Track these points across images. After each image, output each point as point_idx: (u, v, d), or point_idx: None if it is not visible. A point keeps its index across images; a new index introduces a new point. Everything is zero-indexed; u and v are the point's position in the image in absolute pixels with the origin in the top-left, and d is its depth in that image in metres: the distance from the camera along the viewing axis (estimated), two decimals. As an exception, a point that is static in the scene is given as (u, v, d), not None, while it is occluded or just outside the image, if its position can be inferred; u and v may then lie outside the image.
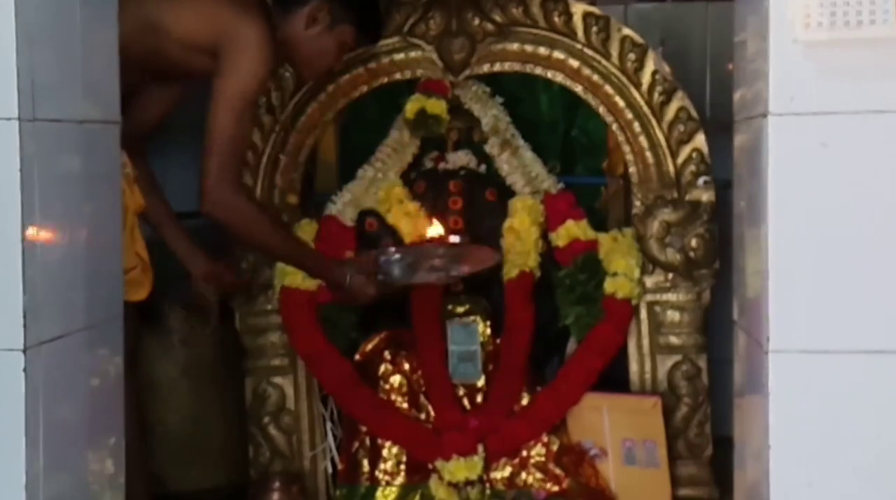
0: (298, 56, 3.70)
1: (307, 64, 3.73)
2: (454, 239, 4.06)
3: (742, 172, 2.90)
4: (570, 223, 4.05)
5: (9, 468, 2.39)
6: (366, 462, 3.94)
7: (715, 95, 4.56)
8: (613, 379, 4.05)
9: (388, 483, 3.94)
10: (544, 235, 4.07)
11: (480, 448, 3.91)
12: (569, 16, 4.02)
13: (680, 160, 4.00)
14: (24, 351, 2.39)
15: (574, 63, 4.02)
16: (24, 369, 2.39)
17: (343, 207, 4.06)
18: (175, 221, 3.83)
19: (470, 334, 4.00)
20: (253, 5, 3.55)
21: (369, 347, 4.03)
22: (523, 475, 3.96)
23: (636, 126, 4.01)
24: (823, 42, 2.47)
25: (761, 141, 2.56)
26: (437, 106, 4.06)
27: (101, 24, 2.81)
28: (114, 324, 2.83)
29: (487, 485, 3.94)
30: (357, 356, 4.03)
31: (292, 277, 3.96)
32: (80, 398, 2.65)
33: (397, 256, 3.77)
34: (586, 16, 4.01)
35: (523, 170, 4.13)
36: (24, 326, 2.39)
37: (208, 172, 3.42)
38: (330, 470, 4.05)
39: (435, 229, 4.00)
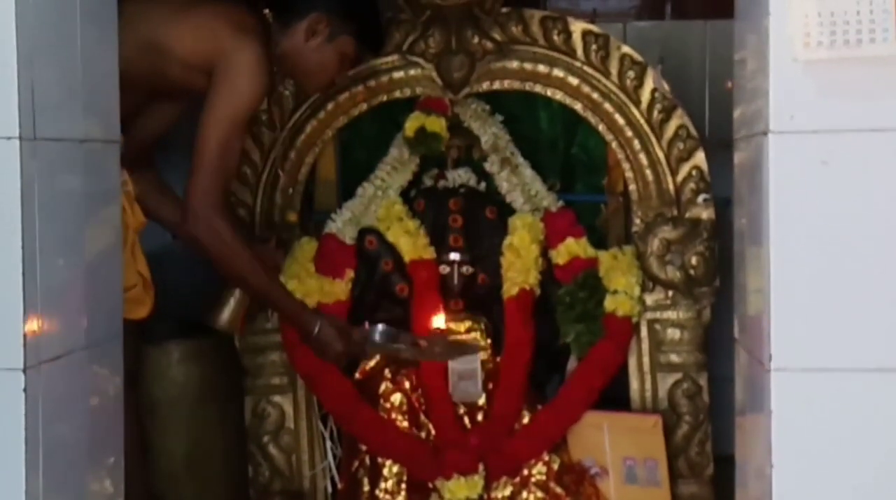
0: (300, 69, 3.70)
1: (309, 77, 3.73)
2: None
3: (742, 190, 2.90)
4: (570, 241, 4.05)
5: (8, 488, 2.39)
6: (366, 481, 3.93)
7: (714, 113, 4.56)
8: (614, 397, 4.04)
9: None
10: (544, 253, 4.07)
11: (481, 467, 3.90)
12: (568, 34, 4.02)
13: (680, 178, 4.00)
14: (24, 371, 2.38)
15: (573, 81, 4.03)
16: (24, 389, 2.39)
17: (343, 225, 4.05)
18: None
19: (471, 352, 3.99)
20: (252, 26, 3.55)
21: (369, 365, 4.03)
22: (524, 493, 3.95)
23: (636, 144, 4.01)
24: (823, 61, 2.47)
25: (762, 159, 2.56)
26: (437, 124, 4.05)
27: (102, 43, 2.82)
28: (114, 343, 2.83)
29: (488, 504, 3.94)
30: (357, 375, 4.03)
31: (292, 296, 3.96)
32: (80, 418, 2.65)
33: (379, 326, 3.74)
34: (585, 34, 4.01)
35: (523, 187, 4.12)
36: (24, 345, 2.38)
37: (193, 193, 3.42)
38: (330, 489, 4.04)
39: (438, 320, 3.98)
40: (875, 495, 2.51)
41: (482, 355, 4.01)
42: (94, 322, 2.70)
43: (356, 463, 3.96)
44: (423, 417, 3.97)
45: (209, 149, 3.41)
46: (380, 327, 3.74)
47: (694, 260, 3.98)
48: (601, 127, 4.04)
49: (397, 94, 4.11)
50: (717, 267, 3.97)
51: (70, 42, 2.65)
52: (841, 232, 2.51)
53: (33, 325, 2.42)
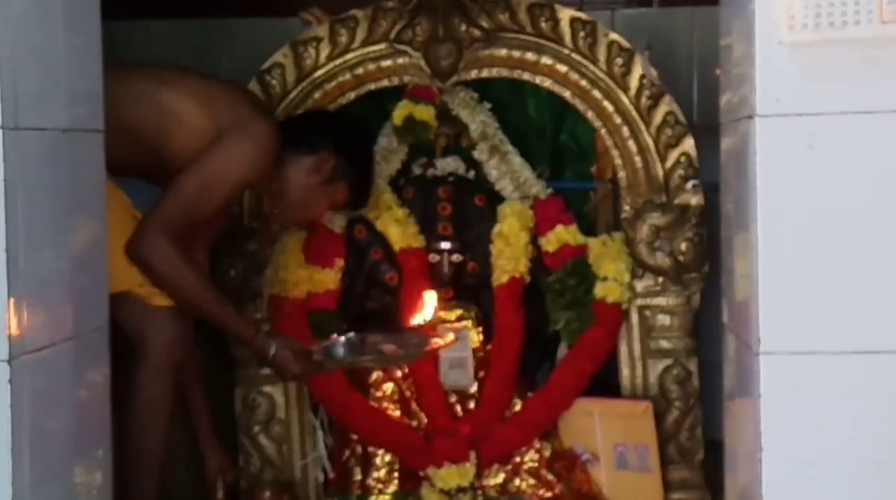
0: (288, 198, 3.69)
1: (293, 208, 3.73)
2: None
3: (729, 175, 2.89)
4: (559, 228, 4.04)
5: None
6: (357, 471, 3.93)
7: (702, 99, 4.55)
8: (604, 384, 4.04)
9: (380, 492, 3.94)
10: (534, 241, 4.06)
11: (472, 455, 3.90)
12: (556, 21, 4.01)
13: (668, 164, 3.99)
14: (10, 362, 2.37)
15: (562, 68, 4.02)
16: (10, 381, 2.37)
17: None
18: (208, 413, 3.87)
19: (461, 340, 3.98)
20: (271, 114, 3.62)
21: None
22: (516, 481, 3.96)
23: (624, 131, 4.01)
24: (808, 43, 2.46)
25: (748, 143, 2.56)
26: (425, 112, 4.04)
27: (84, 31, 2.80)
28: (100, 335, 2.82)
29: (480, 492, 3.94)
30: (348, 364, 4.02)
31: (281, 285, 3.96)
32: (67, 409, 2.64)
33: (342, 339, 3.56)
34: (573, 21, 4.00)
35: (512, 175, 4.12)
36: (9, 336, 2.37)
37: (148, 215, 3.37)
38: (321, 479, 4.03)
39: (431, 305, 3.88)
40: (864, 476, 2.51)
41: (473, 342, 4.01)
42: (80, 313, 2.69)
43: (347, 452, 3.96)
44: (414, 405, 3.97)
45: (184, 191, 3.38)
46: (342, 340, 3.55)
47: (683, 246, 3.98)
48: (589, 114, 4.04)
49: (385, 82, 4.09)
50: (706, 253, 3.97)
51: (52, 31, 2.63)
52: (828, 215, 2.50)
53: (18, 316, 2.40)
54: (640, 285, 4.01)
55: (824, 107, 2.49)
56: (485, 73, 4.08)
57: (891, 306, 2.48)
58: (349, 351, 3.53)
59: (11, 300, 2.38)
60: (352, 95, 4.09)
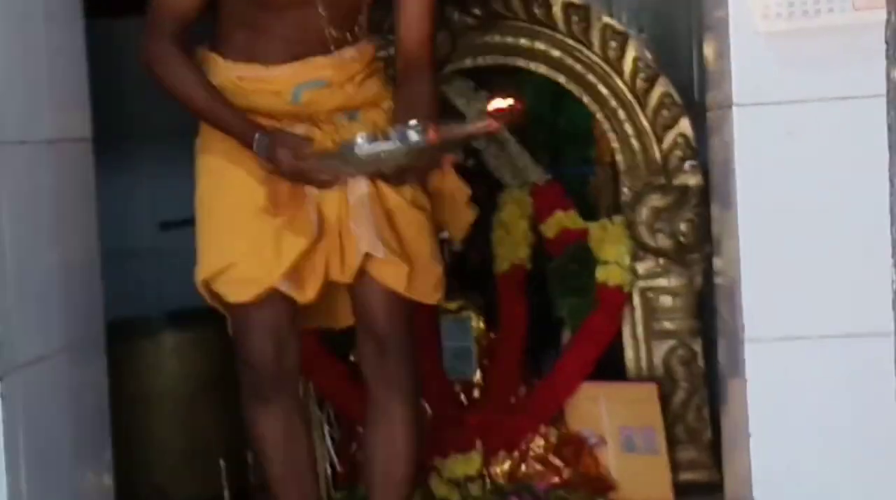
0: None
1: None
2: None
3: (715, 163, 2.90)
4: (559, 214, 4.05)
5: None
6: (365, 463, 3.95)
7: (703, 79, 4.53)
8: (610, 367, 4.05)
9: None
10: (535, 228, 4.07)
11: (479, 444, 3.91)
12: (548, 6, 4.01)
13: (666, 146, 3.99)
14: (1, 378, 2.39)
15: (556, 53, 4.02)
16: (2, 396, 2.40)
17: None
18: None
19: (464, 330, 4.00)
20: None
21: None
22: (524, 468, 3.96)
23: (621, 114, 4.01)
24: (784, 32, 2.47)
25: (728, 132, 2.56)
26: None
27: (68, 37, 2.81)
28: (95, 342, 2.85)
29: (488, 480, 3.95)
30: (352, 357, 4.03)
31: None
32: (64, 420, 2.67)
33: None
34: (566, 6, 4.00)
35: (510, 163, 4.13)
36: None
37: (145, 31, 3.00)
38: (330, 473, 4.06)
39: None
40: (851, 458, 2.52)
41: (476, 331, 4.03)
42: (74, 324, 2.71)
43: (354, 446, 3.98)
44: (419, 396, 3.99)
45: None
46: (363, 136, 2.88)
47: (684, 227, 3.98)
48: (585, 98, 4.04)
49: (380, 74, 4.10)
50: (707, 233, 3.96)
51: (34, 43, 2.66)
52: (808, 201, 2.51)
53: (8, 330, 2.43)
54: (641, 268, 4.01)
55: (802, 94, 2.50)
56: (480, 61, 4.08)
57: (872, 289, 2.47)
58: (371, 141, 2.86)
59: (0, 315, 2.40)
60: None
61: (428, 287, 3.03)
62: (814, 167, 2.50)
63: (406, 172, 2.90)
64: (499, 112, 2.88)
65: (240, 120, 3.06)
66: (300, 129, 2.97)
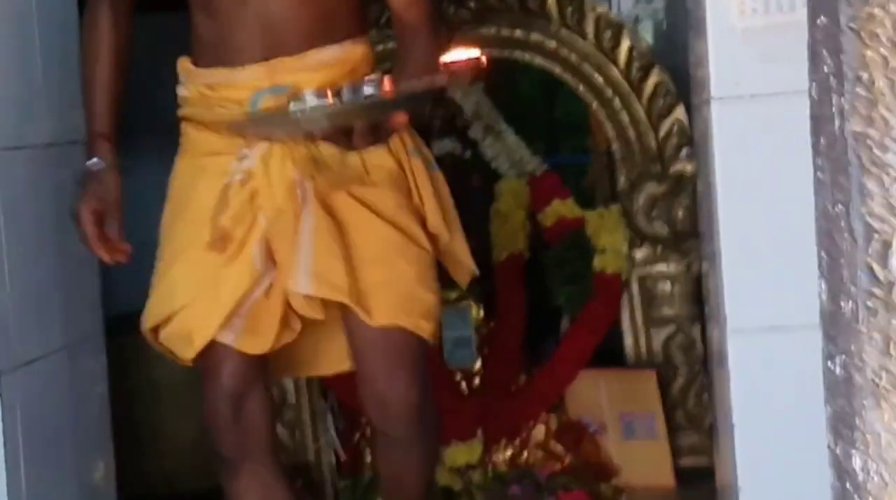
0: None
1: None
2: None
3: (699, 155, 2.94)
4: (556, 203, 4.09)
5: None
6: (368, 452, 4.00)
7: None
8: (609, 353, 4.09)
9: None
10: (532, 217, 4.11)
11: (480, 432, 3.96)
12: (542, -2, 4.05)
13: (661, 134, 4.03)
14: (-1, 377, 2.45)
15: (551, 44, 4.06)
16: (0, 395, 2.45)
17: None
18: None
19: (463, 319, 4.05)
20: None
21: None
22: (525, 455, 4.01)
23: (616, 103, 4.05)
24: (760, 27, 2.50)
25: (707, 125, 2.60)
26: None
27: (62, 39, 2.83)
28: (94, 340, 2.89)
29: (489, 468, 4.00)
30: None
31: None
32: (64, 419, 2.71)
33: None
34: (560, -3, 4.05)
35: (507, 153, 4.17)
36: (-3, 352, 2.44)
37: None
38: (334, 461, 4.11)
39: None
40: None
41: (476, 320, 4.07)
42: (73, 323, 2.76)
43: (358, 435, 4.03)
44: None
45: None
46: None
47: (680, 214, 4.02)
48: (581, 88, 4.08)
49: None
50: (703, 220, 4.01)
51: (27, 47, 2.68)
52: (787, 193, 2.54)
53: (6, 332, 2.47)
54: (639, 255, 4.06)
55: (779, 88, 2.53)
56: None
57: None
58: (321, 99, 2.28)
59: (-3, 317, 2.45)
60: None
61: (412, 316, 2.48)
62: (791, 159, 2.52)
63: (365, 132, 2.25)
64: (458, 65, 2.41)
65: (93, 123, 2.58)
66: (254, 152, 2.46)
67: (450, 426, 3.93)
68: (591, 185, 4.24)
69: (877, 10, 1.05)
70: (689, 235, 4.01)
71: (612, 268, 4.02)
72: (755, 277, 2.56)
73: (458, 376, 4.06)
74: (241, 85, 2.48)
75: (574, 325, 4.05)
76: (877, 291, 1.06)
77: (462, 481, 3.94)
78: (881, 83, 1.08)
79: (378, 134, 2.28)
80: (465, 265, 2.71)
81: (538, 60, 4.09)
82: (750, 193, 2.55)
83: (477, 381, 4.06)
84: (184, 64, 2.59)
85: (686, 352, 4.07)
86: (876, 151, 1.08)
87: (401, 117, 2.29)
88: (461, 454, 3.93)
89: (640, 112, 4.03)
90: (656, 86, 4.02)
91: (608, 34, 4.02)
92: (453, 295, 4.09)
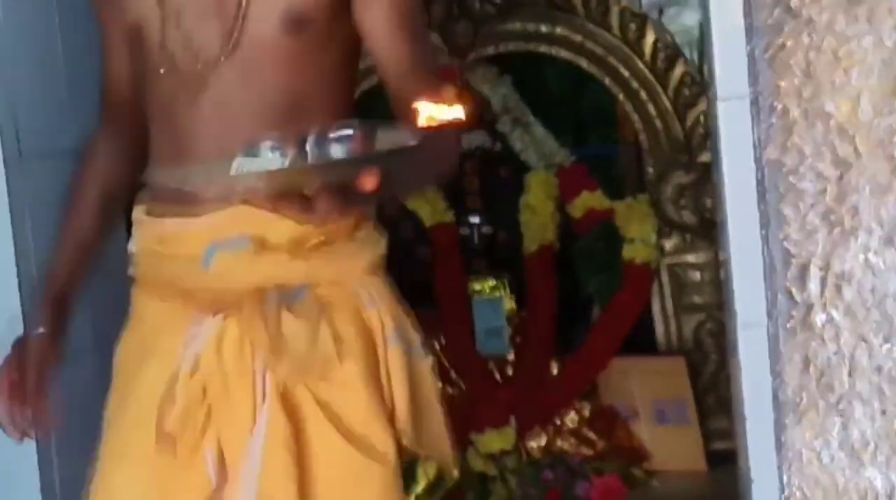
0: None
1: None
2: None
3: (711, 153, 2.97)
4: (584, 194, 4.15)
5: (25, 485, 2.53)
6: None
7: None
8: (641, 341, 4.14)
9: (427, 458, 4.05)
10: (561, 208, 4.17)
11: (513, 419, 4.02)
12: (567, -9, 4.11)
13: (688, 124, 4.08)
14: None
15: (577, 38, 4.11)
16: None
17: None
18: None
19: (496, 309, 4.12)
20: None
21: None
22: (558, 441, 4.07)
23: (642, 94, 4.10)
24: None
25: (714, 123, 2.64)
26: (447, 93, 4.13)
27: (84, 47, 2.86)
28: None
29: (523, 454, 4.06)
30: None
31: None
32: (94, 415, 2.77)
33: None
34: (584, -10, 4.09)
35: (536, 145, 4.22)
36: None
37: None
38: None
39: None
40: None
41: (507, 310, 4.13)
42: (100, 322, 2.80)
43: (392, 424, 4.10)
44: (453, 374, 4.09)
45: None
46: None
47: (708, 203, 4.05)
48: (607, 81, 4.13)
49: (406, 64, 4.20)
50: (731, 207, 4.03)
51: (51, 55, 2.69)
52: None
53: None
54: (668, 244, 4.11)
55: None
56: (502, 48, 4.18)
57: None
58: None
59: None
60: (375, 79, 4.18)
61: None
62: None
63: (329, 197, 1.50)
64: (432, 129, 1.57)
65: (50, 284, 2.19)
66: (205, 330, 1.96)
67: (483, 413, 4.01)
68: (618, 176, 4.29)
69: (789, 42, 1.11)
70: (717, 223, 4.05)
71: (642, 257, 4.07)
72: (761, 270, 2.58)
73: (492, 365, 4.12)
74: (192, 236, 1.98)
75: (604, 314, 4.11)
76: (795, 313, 1.12)
77: (496, 467, 4.01)
78: (795, 113, 1.13)
79: (347, 199, 1.49)
80: (443, 454, 2.23)
81: (564, 54, 4.14)
82: (755, 191, 2.57)
83: (510, 369, 4.13)
84: (137, 211, 2.12)
85: (716, 338, 4.11)
86: (791, 178, 1.14)
87: (372, 178, 1.48)
88: (495, 440, 4.00)
89: (667, 103, 4.08)
90: (682, 76, 4.06)
91: (633, 27, 4.07)
92: (486, 286, 4.16)
